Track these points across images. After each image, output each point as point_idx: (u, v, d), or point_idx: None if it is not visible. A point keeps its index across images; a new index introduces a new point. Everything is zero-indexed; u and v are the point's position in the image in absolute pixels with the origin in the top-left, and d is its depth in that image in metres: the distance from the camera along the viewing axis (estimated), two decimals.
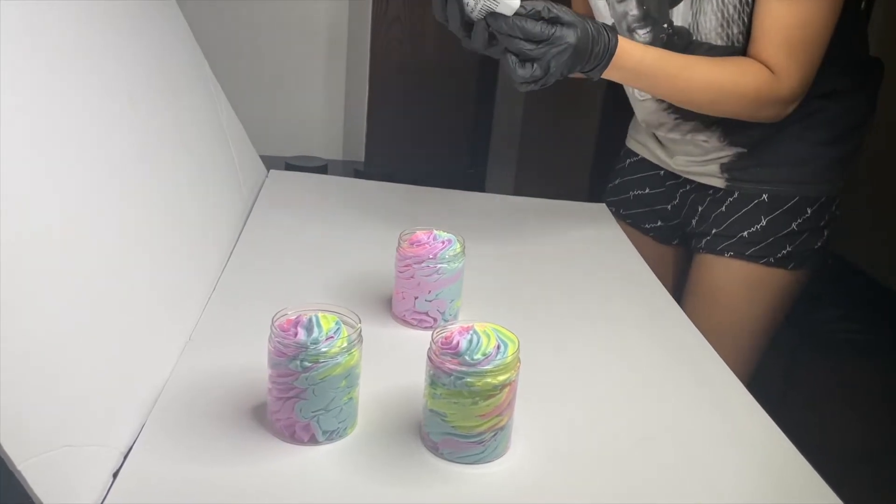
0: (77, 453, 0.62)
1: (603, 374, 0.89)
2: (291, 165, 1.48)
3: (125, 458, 0.67)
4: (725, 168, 1.17)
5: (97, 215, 0.76)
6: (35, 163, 0.68)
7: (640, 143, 1.32)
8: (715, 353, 0.95)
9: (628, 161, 1.35)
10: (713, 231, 1.19)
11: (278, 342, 0.69)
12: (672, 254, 1.33)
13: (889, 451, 1.62)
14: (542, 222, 1.32)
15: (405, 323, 0.93)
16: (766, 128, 1.11)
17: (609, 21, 1.15)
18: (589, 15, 1.20)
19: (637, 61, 0.97)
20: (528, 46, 0.89)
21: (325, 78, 1.76)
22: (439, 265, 0.90)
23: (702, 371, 0.92)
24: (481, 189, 1.67)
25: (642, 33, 1.10)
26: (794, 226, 1.14)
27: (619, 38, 0.96)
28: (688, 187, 1.24)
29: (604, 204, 1.41)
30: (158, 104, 0.98)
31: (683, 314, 1.05)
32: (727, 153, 1.16)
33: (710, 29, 1.04)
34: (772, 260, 1.15)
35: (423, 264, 0.90)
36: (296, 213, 1.24)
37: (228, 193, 1.16)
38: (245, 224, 1.16)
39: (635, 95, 1.21)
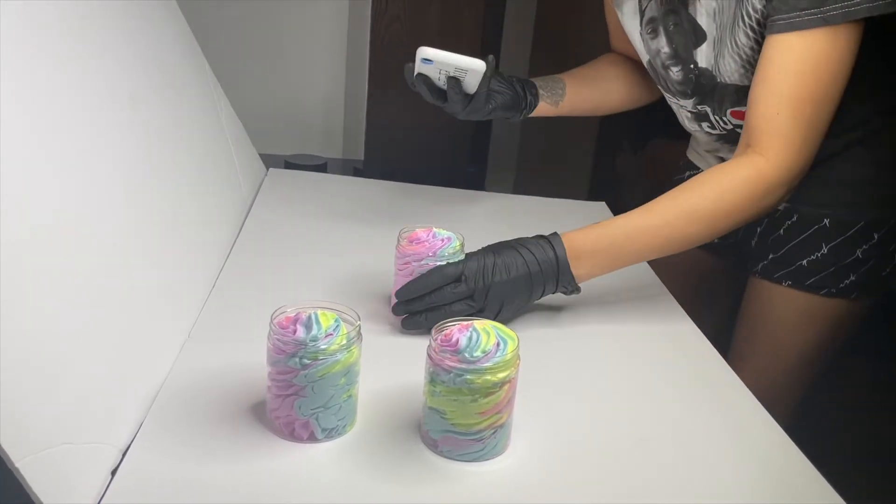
0: (76, 451, 0.62)
1: (603, 372, 0.89)
2: (291, 164, 1.48)
3: (124, 455, 0.67)
4: None
5: (97, 214, 0.76)
6: (35, 162, 0.68)
7: (699, 156, 1.24)
8: (716, 351, 0.95)
9: (688, 173, 1.27)
10: (770, 256, 1.10)
11: (277, 339, 0.69)
12: (725, 271, 1.26)
13: (891, 452, 1.62)
14: (543, 221, 1.32)
15: None
16: (827, 147, 0.99)
17: (645, 58, 1.10)
18: (629, 48, 1.16)
19: (595, 240, 0.91)
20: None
21: (325, 76, 1.76)
22: (438, 262, 0.89)
23: (703, 370, 0.92)
24: (481, 188, 1.66)
25: (675, 71, 1.06)
26: (858, 253, 1.04)
27: (563, 234, 0.91)
28: None
29: (604, 202, 1.40)
30: (159, 104, 0.98)
31: (684, 312, 1.04)
32: None
33: (731, 71, 0.99)
34: (833, 290, 1.06)
35: (422, 262, 0.90)
36: (295, 211, 1.23)
37: (228, 192, 1.16)
38: (244, 222, 1.16)
39: (686, 124, 1.15)
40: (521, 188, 2.07)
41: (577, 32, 1.62)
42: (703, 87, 1.03)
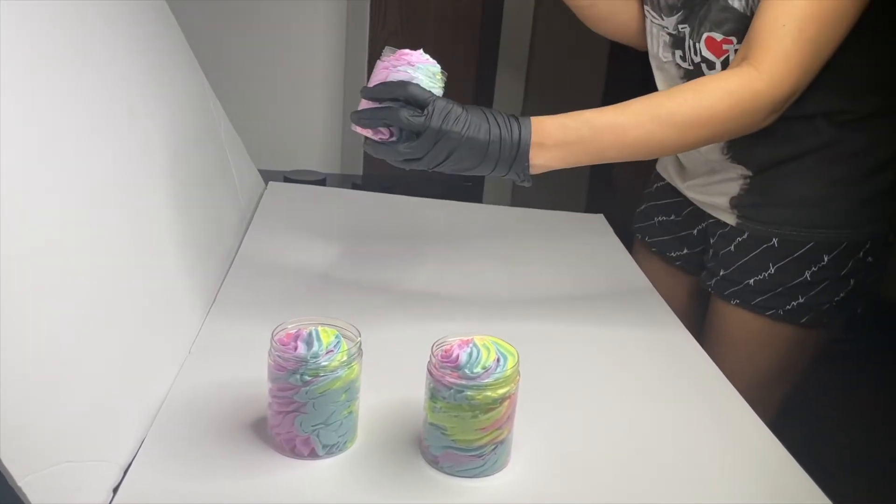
0: (77, 469, 0.62)
1: (603, 386, 0.89)
2: (290, 179, 1.49)
3: (125, 473, 0.67)
4: (735, 203, 1.06)
5: (96, 229, 0.76)
6: (35, 176, 0.68)
7: (663, 167, 1.23)
8: (713, 363, 0.95)
9: (655, 186, 1.26)
10: (721, 272, 1.08)
11: (278, 356, 0.69)
12: (697, 288, 1.20)
13: (883, 459, 1.63)
14: (540, 234, 1.33)
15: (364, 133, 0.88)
16: (773, 149, 1.00)
17: None
18: None
19: (562, 131, 0.85)
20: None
21: (324, 92, 1.77)
22: (415, 76, 0.84)
23: (700, 381, 0.92)
24: (478, 201, 1.67)
25: None
26: (807, 275, 1.01)
27: (534, 118, 0.86)
28: (706, 214, 1.14)
29: (601, 215, 1.41)
30: (158, 120, 0.98)
31: (681, 324, 1.05)
32: (732, 176, 1.06)
33: None
34: (780, 312, 1.03)
35: (399, 67, 0.84)
36: (294, 225, 1.24)
37: (227, 206, 1.16)
38: (244, 237, 1.16)
39: (660, 55, 1.09)
40: (518, 201, 2.08)
41: (574, 45, 1.63)
42: None
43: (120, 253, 0.80)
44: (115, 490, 0.65)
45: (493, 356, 0.70)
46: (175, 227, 0.94)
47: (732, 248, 1.07)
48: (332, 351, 0.69)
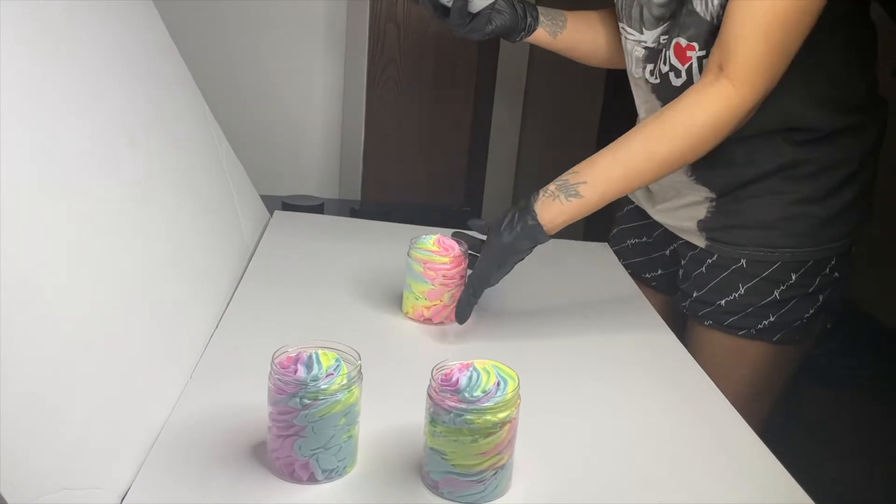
0: (75, 497, 0.62)
1: (605, 412, 0.89)
2: (288, 205, 1.49)
3: (123, 500, 0.67)
4: (703, 227, 1.09)
5: (98, 256, 0.76)
6: (37, 205, 0.68)
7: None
8: (718, 391, 0.95)
9: (626, 208, 1.29)
10: (694, 294, 1.11)
11: (278, 379, 0.69)
12: (674, 309, 1.21)
13: (888, 486, 1.61)
14: (540, 259, 1.32)
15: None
16: (736, 171, 1.03)
17: None
18: None
19: (574, 215, 0.95)
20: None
21: (322, 117, 1.78)
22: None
23: (705, 410, 0.91)
24: None
25: None
26: (776, 294, 1.04)
27: (546, 217, 0.95)
28: (677, 235, 1.17)
29: (606, 244, 1.40)
30: (159, 147, 0.99)
31: (687, 353, 1.04)
32: (698, 199, 1.08)
33: None
34: (752, 332, 1.06)
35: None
36: (296, 252, 1.24)
37: (229, 234, 1.16)
38: (248, 263, 1.16)
39: (631, 70, 1.11)
40: None
41: (571, 66, 1.62)
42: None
43: (122, 279, 0.79)
44: None
45: (494, 380, 0.69)
46: (177, 252, 0.94)
47: (704, 269, 1.10)
48: (331, 374, 0.69)
